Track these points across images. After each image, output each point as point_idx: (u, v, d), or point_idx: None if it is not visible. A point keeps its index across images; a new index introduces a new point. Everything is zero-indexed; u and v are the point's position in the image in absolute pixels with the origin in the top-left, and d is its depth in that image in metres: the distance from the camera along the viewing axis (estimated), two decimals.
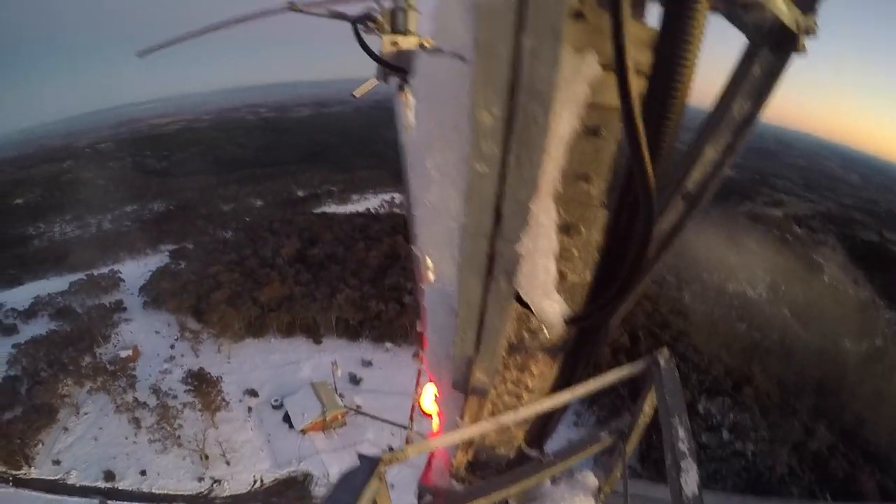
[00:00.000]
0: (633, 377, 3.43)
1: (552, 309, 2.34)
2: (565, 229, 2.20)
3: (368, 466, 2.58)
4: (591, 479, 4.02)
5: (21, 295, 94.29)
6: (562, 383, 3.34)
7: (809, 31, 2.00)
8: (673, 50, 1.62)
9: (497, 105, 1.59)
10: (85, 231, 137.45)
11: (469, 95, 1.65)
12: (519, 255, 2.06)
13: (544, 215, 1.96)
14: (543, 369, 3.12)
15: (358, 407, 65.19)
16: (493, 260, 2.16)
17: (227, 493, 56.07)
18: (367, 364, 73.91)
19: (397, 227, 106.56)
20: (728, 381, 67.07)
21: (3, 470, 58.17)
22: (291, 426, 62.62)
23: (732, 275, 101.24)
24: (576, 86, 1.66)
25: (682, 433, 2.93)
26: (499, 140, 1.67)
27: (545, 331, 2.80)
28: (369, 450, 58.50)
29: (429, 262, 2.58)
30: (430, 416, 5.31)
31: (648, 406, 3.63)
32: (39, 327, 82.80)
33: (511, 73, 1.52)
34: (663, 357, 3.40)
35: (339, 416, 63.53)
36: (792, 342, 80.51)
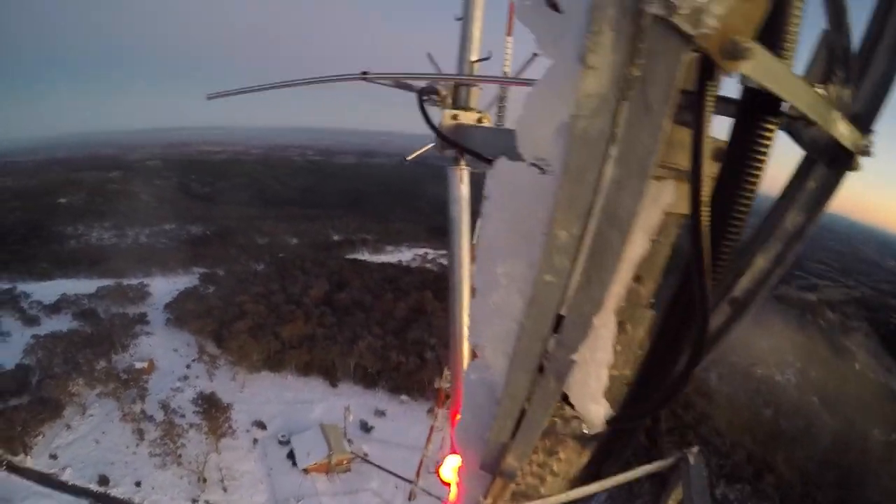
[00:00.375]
0: (661, 471, 3.47)
1: (597, 412, 2.43)
2: None
3: None
4: None
5: (49, 290, 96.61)
6: (590, 471, 3.30)
7: (865, 151, 2.10)
8: (742, 165, 1.79)
9: (576, 226, 1.71)
10: (121, 241, 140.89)
11: (547, 210, 1.77)
12: (573, 362, 2.12)
13: (604, 329, 2.05)
14: (571, 455, 3.09)
15: (365, 454, 64.36)
16: (547, 360, 2.21)
17: None
18: (381, 413, 73.43)
19: (427, 283, 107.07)
20: (749, 468, 65.15)
21: (0, 453, 58.94)
22: (295, 464, 62.22)
23: (761, 358, 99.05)
24: (652, 213, 1.84)
25: None
26: (571, 257, 1.79)
27: (582, 426, 2.76)
28: (371, 500, 58.09)
29: (478, 348, 2.59)
30: (447, 484, 5.40)
31: (673, 502, 3.59)
32: (61, 324, 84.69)
33: (594, 198, 1.63)
34: (693, 455, 3.40)
35: (345, 462, 63.01)
36: (818, 430, 78.19)
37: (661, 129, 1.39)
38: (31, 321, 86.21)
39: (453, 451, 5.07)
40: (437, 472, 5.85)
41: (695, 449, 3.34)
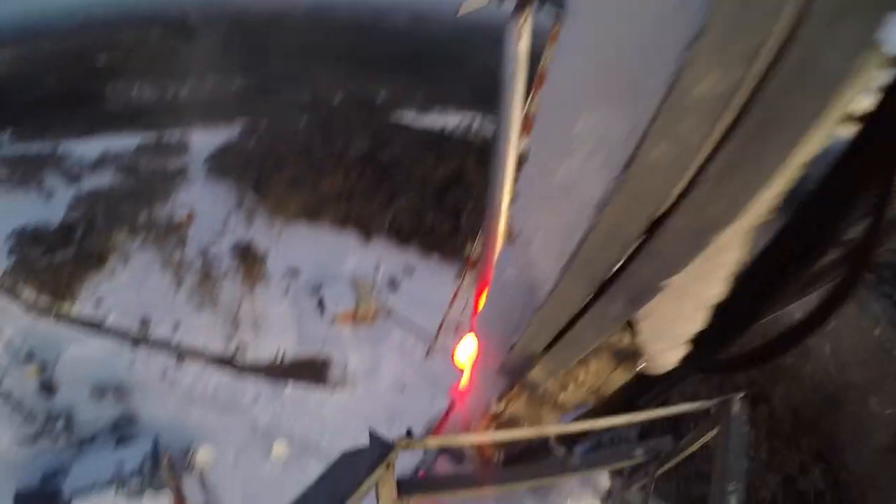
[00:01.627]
0: (699, 413, 3.38)
1: (670, 356, 2.16)
2: None
3: (378, 452, 2.30)
4: (604, 481, 3.86)
5: (90, 148, 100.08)
6: (622, 396, 3.17)
7: None
8: None
9: (733, 71, 1.24)
10: (162, 96, 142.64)
11: (678, 37, 1.25)
12: (661, 287, 1.72)
13: (724, 253, 1.61)
14: (602, 368, 2.87)
15: (390, 310, 68.35)
16: (622, 276, 1.76)
17: (248, 360, 61.27)
18: (410, 272, 76.10)
19: (470, 149, 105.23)
20: (747, 392, 64.93)
21: (48, 303, 64.75)
22: (323, 312, 66.57)
23: None
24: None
25: (735, 494, 2.84)
26: (712, 118, 1.30)
27: (640, 360, 2.53)
28: (390, 353, 63.11)
29: (520, 235, 2.21)
30: (460, 369, 5.13)
31: (700, 443, 3.58)
32: (103, 179, 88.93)
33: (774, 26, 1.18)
34: (736, 406, 3.30)
35: (370, 314, 66.97)
36: (821, 379, 78.12)
37: None
38: (73, 179, 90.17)
39: (471, 332, 4.69)
40: (451, 354, 5.52)
41: (739, 395, 3.33)
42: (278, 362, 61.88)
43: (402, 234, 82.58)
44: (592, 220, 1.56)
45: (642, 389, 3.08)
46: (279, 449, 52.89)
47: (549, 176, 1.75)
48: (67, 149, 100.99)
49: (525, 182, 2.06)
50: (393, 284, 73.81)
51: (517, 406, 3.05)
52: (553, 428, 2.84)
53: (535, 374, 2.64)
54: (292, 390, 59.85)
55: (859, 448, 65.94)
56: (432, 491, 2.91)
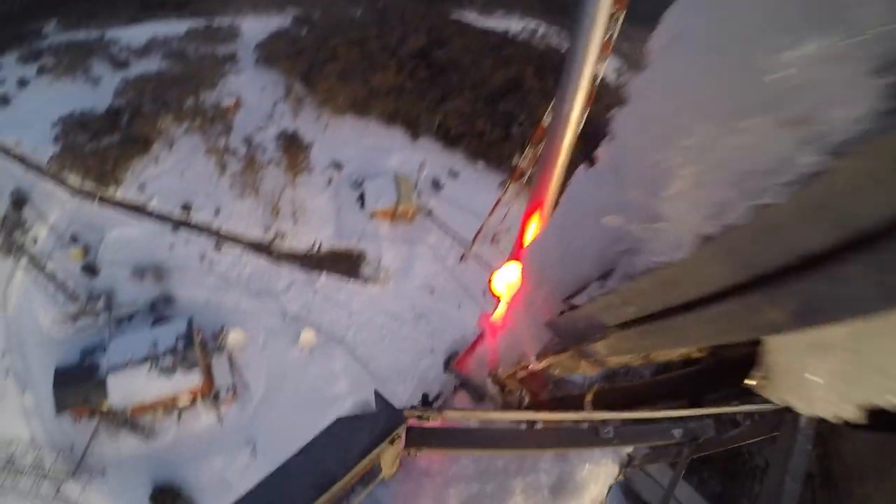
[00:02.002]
0: (763, 414, 3.07)
1: (812, 409, 1.66)
2: None
3: (384, 422, 1.97)
4: (627, 447, 3.45)
5: (138, 34, 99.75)
6: (686, 384, 2.84)
7: None
8: None
9: None
10: None
11: None
12: (871, 315, 0.94)
13: None
14: None
15: (430, 211, 69.18)
16: (802, 276, 1.00)
17: (285, 248, 63.42)
18: (454, 175, 76.23)
19: (531, 57, 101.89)
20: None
21: (93, 188, 67.47)
22: (363, 207, 67.68)
23: None
24: None
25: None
26: None
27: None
28: (424, 254, 64.11)
29: (635, 159, 1.48)
30: (497, 297, 4.69)
31: (748, 442, 3.34)
32: (151, 65, 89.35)
33: None
34: (805, 417, 2.99)
35: (410, 212, 67.75)
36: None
37: None
38: (120, 65, 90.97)
39: (515, 259, 4.28)
40: (488, 282, 4.91)
41: None
42: (314, 253, 63.50)
43: (451, 137, 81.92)
44: (823, 167, 0.85)
45: (715, 384, 2.62)
46: (307, 337, 54.77)
47: (730, 62, 1.05)
48: (114, 35, 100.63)
49: (659, 73, 1.35)
50: (436, 186, 74.00)
51: (561, 417, 2.77)
52: (601, 414, 2.60)
53: (597, 348, 2.07)
54: (325, 281, 61.54)
55: (855, 439, 64.42)
56: (443, 447, 2.59)
